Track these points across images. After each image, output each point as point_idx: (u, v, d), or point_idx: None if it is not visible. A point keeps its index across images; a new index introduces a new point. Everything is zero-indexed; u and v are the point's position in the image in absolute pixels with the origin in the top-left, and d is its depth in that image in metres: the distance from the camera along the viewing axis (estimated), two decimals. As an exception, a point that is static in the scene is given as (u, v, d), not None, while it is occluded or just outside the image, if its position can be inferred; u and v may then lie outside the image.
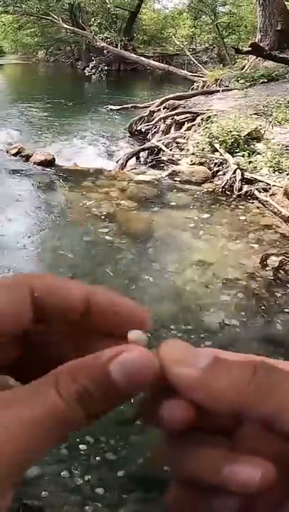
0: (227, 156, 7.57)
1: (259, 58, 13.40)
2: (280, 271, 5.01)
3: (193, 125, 9.48)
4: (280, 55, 10.73)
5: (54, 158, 8.41)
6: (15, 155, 8.66)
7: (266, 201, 6.53)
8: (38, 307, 0.34)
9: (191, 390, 0.31)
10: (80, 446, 2.96)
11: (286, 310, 4.41)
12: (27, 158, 8.46)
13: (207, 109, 9.88)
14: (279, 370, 0.32)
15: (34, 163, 8.24)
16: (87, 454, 2.92)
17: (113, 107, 12.48)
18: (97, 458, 2.91)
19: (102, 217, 6.17)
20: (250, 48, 9.30)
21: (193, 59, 17.97)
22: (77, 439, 2.99)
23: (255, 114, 9.20)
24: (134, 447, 3.00)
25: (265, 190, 6.76)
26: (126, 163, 8.41)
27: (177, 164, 8.27)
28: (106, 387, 0.30)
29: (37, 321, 0.34)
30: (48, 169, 8.06)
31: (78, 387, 0.29)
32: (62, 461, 2.86)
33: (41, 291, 0.34)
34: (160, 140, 9.15)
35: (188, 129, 9.50)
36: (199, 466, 0.32)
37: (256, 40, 13.86)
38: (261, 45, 12.47)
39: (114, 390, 0.30)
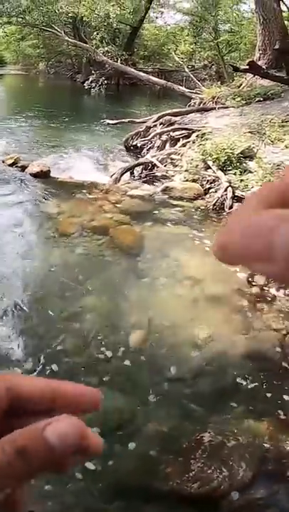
0: (219, 173, 7.68)
1: (256, 76, 13.55)
2: (266, 288, 5.10)
3: (188, 142, 9.60)
4: (277, 74, 10.88)
5: (49, 170, 8.52)
6: (11, 165, 8.75)
7: (256, 219, 6.61)
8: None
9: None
10: None
11: (270, 326, 4.49)
12: (23, 168, 8.56)
13: (202, 126, 10.01)
14: None
15: (30, 174, 8.34)
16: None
17: (110, 122, 12.58)
18: (80, 467, 2.92)
19: (95, 230, 6.24)
20: (247, 66, 9.44)
21: (191, 75, 18.10)
22: None
23: (249, 132, 9.32)
24: (116, 457, 3.03)
25: (255, 208, 6.86)
26: (120, 177, 8.51)
27: (171, 180, 8.38)
28: (42, 445, 0.35)
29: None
30: (43, 180, 8.15)
31: (18, 446, 0.35)
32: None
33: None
34: (155, 156, 9.26)
35: (183, 145, 9.61)
36: None
37: (255, 59, 14.01)
38: (259, 63, 12.64)
39: (49, 447, 0.35)
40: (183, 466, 3.00)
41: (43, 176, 8.32)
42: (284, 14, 16.76)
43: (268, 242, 0.27)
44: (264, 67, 12.32)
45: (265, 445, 3.20)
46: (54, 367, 3.73)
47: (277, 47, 14.60)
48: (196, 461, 3.04)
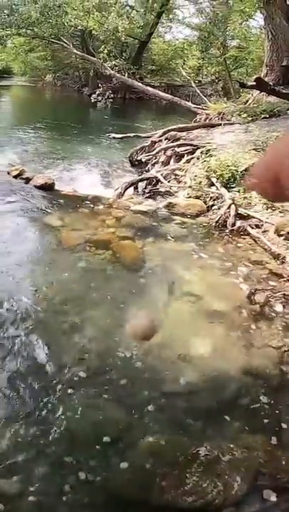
0: (223, 190, 7.72)
1: (263, 93, 13.65)
2: (266, 306, 5.11)
3: (193, 158, 9.66)
4: (284, 91, 10.94)
5: (54, 183, 8.57)
6: (16, 177, 8.80)
7: (258, 237, 6.66)
8: None
9: None
10: (58, 466, 3.02)
11: (269, 343, 4.51)
12: (27, 180, 8.61)
13: (207, 143, 10.07)
14: None
15: (34, 186, 8.39)
16: (63, 474, 2.98)
17: (116, 136, 12.67)
18: (76, 478, 2.96)
19: (97, 244, 6.27)
20: (254, 83, 9.49)
21: (198, 91, 18.29)
22: (57, 459, 3.06)
23: (254, 149, 9.37)
24: (114, 468, 3.06)
25: (258, 226, 6.90)
26: (124, 192, 8.56)
27: (174, 196, 8.42)
28: None
29: None
30: (47, 193, 8.21)
31: None
32: (38, 481, 2.91)
33: None
34: (159, 171, 9.31)
35: (188, 161, 9.67)
36: None
37: (262, 75, 14.13)
38: (266, 79, 12.73)
39: None
40: (178, 479, 3.03)
41: (47, 188, 8.37)
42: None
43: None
44: (271, 83, 12.39)
45: (261, 460, 3.23)
46: (49, 380, 3.75)
47: (284, 63, 14.71)
48: (191, 475, 3.06)
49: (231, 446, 3.29)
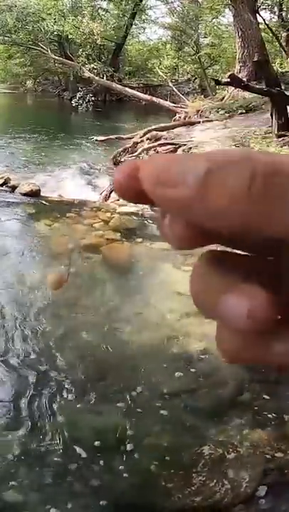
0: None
1: (238, 89, 13.79)
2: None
3: (175, 156, 9.73)
4: (257, 86, 11.06)
5: (39, 190, 8.58)
6: (1, 185, 8.78)
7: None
8: None
9: (182, 213, 0.27)
10: (63, 472, 3.00)
11: None
12: (13, 188, 8.61)
13: (188, 141, 10.19)
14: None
15: (20, 193, 8.41)
16: (70, 481, 2.95)
17: (98, 138, 12.75)
18: (81, 484, 2.94)
19: (86, 248, 6.30)
20: (228, 79, 9.57)
21: (175, 90, 18.41)
22: (60, 465, 3.05)
23: (234, 145, 9.50)
24: (117, 473, 3.03)
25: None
26: (110, 194, 8.61)
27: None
28: None
29: None
30: (33, 200, 8.21)
31: None
32: (44, 488, 2.90)
33: None
34: (143, 171, 9.36)
35: (170, 160, 9.73)
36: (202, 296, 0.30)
37: (235, 71, 14.27)
38: (240, 75, 12.85)
39: None
40: (184, 480, 2.99)
41: (33, 195, 8.39)
42: (260, 26, 17.11)
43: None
44: (245, 79, 12.49)
45: (267, 456, 3.19)
46: (48, 386, 3.76)
47: (256, 59, 14.85)
48: (197, 475, 3.02)
49: (235, 443, 3.27)
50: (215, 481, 2.99)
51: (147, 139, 10.93)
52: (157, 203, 0.27)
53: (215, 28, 24.21)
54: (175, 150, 9.98)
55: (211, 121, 12.18)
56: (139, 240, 6.73)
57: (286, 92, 9.94)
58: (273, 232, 0.25)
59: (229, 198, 0.24)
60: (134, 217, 7.57)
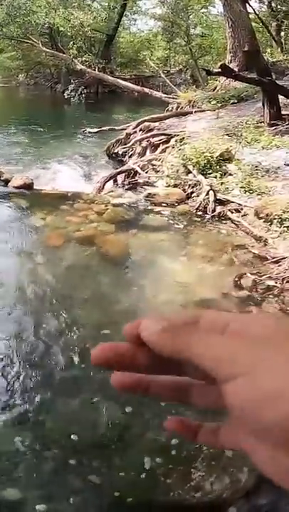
0: (200, 177, 7.81)
1: (229, 79, 13.78)
2: (254, 290, 5.19)
3: (168, 147, 9.74)
4: (248, 76, 11.04)
5: (33, 182, 8.56)
6: (-7, 179, 8.77)
7: (238, 222, 6.76)
8: None
9: (152, 345, 0.47)
10: (63, 468, 3.00)
11: None
12: (6, 182, 8.58)
13: (181, 131, 10.15)
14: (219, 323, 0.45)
15: (13, 187, 8.39)
16: (69, 477, 2.95)
17: (91, 130, 12.73)
18: (79, 481, 2.92)
19: (81, 240, 6.30)
20: (219, 69, 9.54)
21: (167, 81, 18.31)
22: (60, 462, 3.04)
23: (226, 134, 9.49)
24: (115, 469, 3.02)
25: (237, 210, 7.00)
26: (103, 186, 8.60)
27: (153, 186, 8.50)
28: None
29: None
30: (26, 193, 8.19)
31: None
32: (44, 485, 2.89)
33: None
34: (136, 162, 9.35)
35: (163, 150, 9.73)
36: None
37: (226, 61, 14.19)
38: (231, 65, 12.82)
39: None
40: (183, 476, 2.98)
41: (26, 188, 8.37)
42: (251, 16, 17.07)
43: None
44: (236, 69, 12.47)
45: None
46: (46, 381, 3.75)
47: (246, 49, 14.82)
48: (196, 471, 3.01)
49: None
50: (214, 476, 2.98)
51: (140, 129, 10.89)
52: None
53: (205, 18, 24.19)
54: (168, 140, 9.96)
55: (204, 111, 12.15)
56: (134, 231, 6.72)
57: (277, 82, 9.94)
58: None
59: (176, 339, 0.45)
60: (129, 208, 7.57)
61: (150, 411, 3.48)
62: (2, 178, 8.70)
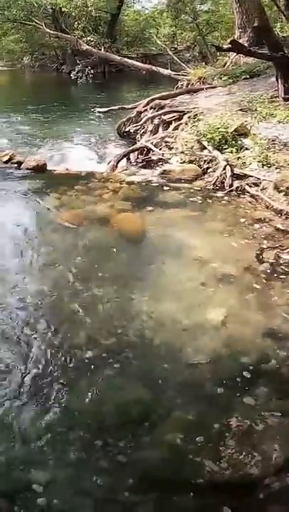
0: (216, 152, 7.68)
1: (239, 55, 13.51)
2: (276, 264, 5.07)
3: (181, 124, 9.60)
4: (260, 51, 10.83)
5: (46, 164, 8.49)
6: (6, 162, 8.66)
7: (257, 195, 6.64)
8: None
9: None
10: (89, 449, 2.96)
11: (286, 302, 4.43)
12: (19, 164, 8.51)
13: (193, 108, 9.99)
14: None
15: (26, 169, 8.33)
16: (96, 457, 2.91)
17: (101, 110, 12.60)
18: (106, 461, 2.89)
19: (97, 220, 6.21)
20: (230, 45, 9.35)
21: (175, 58, 18.08)
22: (86, 443, 3.00)
23: (240, 110, 9.32)
24: (143, 448, 2.98)
25: (256, 184, 6.87)
26: (117, 164, 8.51)
27: (168, 163, 8.39)
28: None
29: None
30: (40, 175, 8.14)
31: None
32: (71, 466, 2.86)
33: None
34: (149, 140, 9.24)
35: (176, 127, 9.60)
36: None
37: (235, 37, 13.90)
38: (240, 41, 12.56)
39: None
40: (213, 453, 2.92)
41: (39, 170, 8.31)
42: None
43: None
44: (246, 44, 12.23)
45: None
46: (67, 360, 3.70)
47: (256, 24, 14.51)
48: (226, 448, 2.95)
49: (263, 413, 3.19)
50: (244, 453, 2.92)
51: (151, 108, 10.74)
52: None
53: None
54: (180, 117, 9.82)
55: (215, 87, 11.93)
56: (150, 208, 6.61)
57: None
58: None
59: None
60: (143, 187, 7.47)
61: (174, 389, 3.42)
62: (14, 161, 8.62)
